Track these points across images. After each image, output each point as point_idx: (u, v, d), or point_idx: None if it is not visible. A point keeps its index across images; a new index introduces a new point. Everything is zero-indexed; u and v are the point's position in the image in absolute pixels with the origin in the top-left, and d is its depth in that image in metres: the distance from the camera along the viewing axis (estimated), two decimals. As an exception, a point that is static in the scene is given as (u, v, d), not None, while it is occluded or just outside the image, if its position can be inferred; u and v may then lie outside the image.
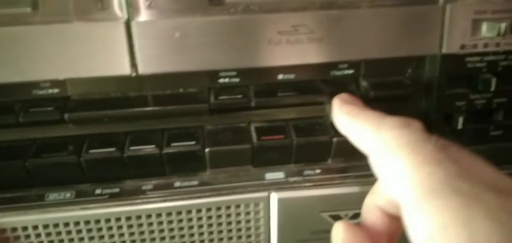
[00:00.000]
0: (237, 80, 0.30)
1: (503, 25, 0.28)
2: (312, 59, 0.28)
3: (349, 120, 0.26)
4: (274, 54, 0.28)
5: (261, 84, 0.30)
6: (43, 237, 0.30)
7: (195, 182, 0.31)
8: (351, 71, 0.30)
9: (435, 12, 0.28)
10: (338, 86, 0.30)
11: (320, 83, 0.31)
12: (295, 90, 0.30)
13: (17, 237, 0.30)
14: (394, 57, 0.29)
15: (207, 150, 0.30)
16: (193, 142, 0.30)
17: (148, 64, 0.27)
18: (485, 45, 0.29)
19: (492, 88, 0.30)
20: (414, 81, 0.31)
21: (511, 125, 0.32)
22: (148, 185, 0.30)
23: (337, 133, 0.30)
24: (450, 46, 0.29)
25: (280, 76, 0.30)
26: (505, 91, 0.31)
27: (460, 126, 0.31)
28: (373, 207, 0.25)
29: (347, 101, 0.28)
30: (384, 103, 0.31)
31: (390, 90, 0.30)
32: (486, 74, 0.30)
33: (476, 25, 0.29)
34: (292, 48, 0.27)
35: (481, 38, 0.29)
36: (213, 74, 0.29)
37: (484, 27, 0.29)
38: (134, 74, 0.27)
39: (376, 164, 0.23)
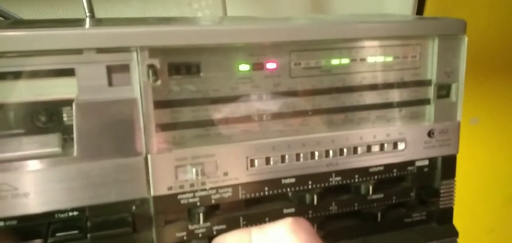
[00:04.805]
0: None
1: (199, 169, 0.35)
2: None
3: None
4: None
5: None
6: None
7: None
8: (76, 213, 0.33)
9: (139, 163, 0.33)
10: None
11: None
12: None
13: None
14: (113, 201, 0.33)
15: None
16: None
17: None
18: (192, 185, 0.35)
19: (201, 221, 0.36)
20: (139, 216, 0.35)
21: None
22: None
23: None
24: (158, 189, 0.34)
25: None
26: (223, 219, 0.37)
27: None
28: None
29: None
30: (108, 240, 0.35)
31: (111, 229, 0.34)
32: (199, 208, 0.36)
33: (179, 169, 0.35)
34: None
35: (186, 180, 0.35)
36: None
37: (186, 170, 0.35)
38: None
39: None
